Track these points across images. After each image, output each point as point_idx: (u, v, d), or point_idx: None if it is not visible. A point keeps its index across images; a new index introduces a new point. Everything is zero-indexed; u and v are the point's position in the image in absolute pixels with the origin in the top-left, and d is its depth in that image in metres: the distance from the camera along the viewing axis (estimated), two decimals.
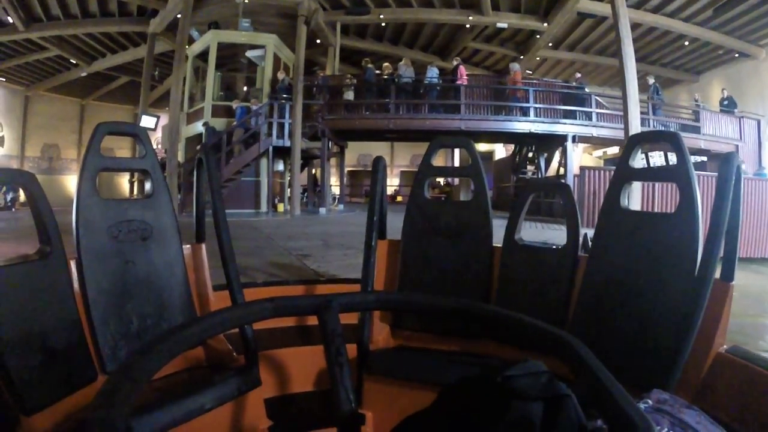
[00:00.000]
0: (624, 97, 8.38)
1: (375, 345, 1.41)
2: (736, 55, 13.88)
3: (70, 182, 18.20)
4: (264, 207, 10.44)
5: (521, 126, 10.63)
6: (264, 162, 10.27)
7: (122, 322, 1.17)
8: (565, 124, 10.92)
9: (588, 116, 11.05)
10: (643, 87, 10.10)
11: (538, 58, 16.28)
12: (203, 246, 1.47)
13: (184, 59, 10.26)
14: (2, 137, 17.73)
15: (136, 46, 14.61)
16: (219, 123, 10.88)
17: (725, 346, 1.06)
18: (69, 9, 12.21)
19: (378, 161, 1.52)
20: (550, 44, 15.12)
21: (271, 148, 9.92)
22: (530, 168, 13.54)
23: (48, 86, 17.82)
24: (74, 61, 15.60)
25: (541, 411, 0.49)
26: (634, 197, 7.33)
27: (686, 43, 13.74)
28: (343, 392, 0.55)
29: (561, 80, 15.62)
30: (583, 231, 1.43)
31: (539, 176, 12.62)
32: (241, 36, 11.48)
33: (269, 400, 1.28)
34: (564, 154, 10.98)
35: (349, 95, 10.52)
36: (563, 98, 11.39)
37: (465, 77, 10.37)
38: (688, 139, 11.34)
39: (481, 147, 20.47)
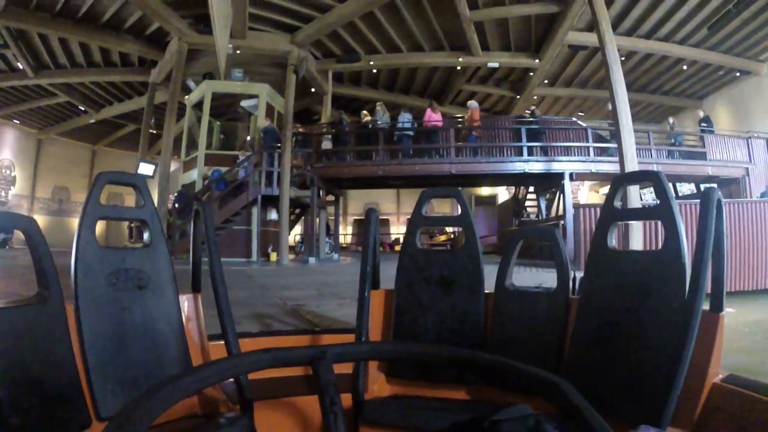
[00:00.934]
0: (617, 127, 8.02)
1: (370, 394, 1.42)
2: (737, 74, 13.52)
3: None
4: (255, 256, 10.38)
5: (515, 166, 10.36)
6: (255, 211, 10.30)
7: (118, 369, 1.18)
8: (561, 161, 10.60)
9: (586, 152, 10.76)
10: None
11: (535, 97, 16.29)
12: (199, 296, 1.48)
13: (175, 109, 10.52)
14: (15, 177, 18.36)
15: (141, 96, 15.11)
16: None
17: (721, 376, 1.07)
18: (75, 58, 12.75)
19: (370, 212, 1.53)
20: (546, 81, 15.12)
21: (259, 197, 9.93)
22: (532, 209, 13.25)
23: (60, 130, 18.55)
24: (83, 108, 16.27)
25: None
26: (635, 236, 6.96)
27: (685, 67, 13.46)
28: None
29: (560, 117, 15.62)
30: (578, 273, 1.46)
31: (540, 218, 12.33)
32: (234, 86, 11.79)
33: None
34: (562, 193, 10.54)
35: (327, 144, 10.57)
36: (560, 135, 11.24)
37: (434, 121, 10.23)
38: (696, 167, 11.14)
39: (484, 191, 20.49)
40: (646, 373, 1.13)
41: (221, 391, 1.35)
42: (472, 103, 10.64)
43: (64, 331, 1.10)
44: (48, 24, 10.52)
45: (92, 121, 17.11)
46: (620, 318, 1.22)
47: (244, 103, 12.37)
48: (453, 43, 12.09)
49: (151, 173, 12.64)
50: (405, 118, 10.09)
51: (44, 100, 15.45)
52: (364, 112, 11.41)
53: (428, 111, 10.29)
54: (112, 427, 0.46)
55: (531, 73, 13.93)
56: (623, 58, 10.43)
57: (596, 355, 1.25)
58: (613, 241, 1.32)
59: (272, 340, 1.67)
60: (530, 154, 10.52)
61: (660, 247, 1.19)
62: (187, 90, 12.68)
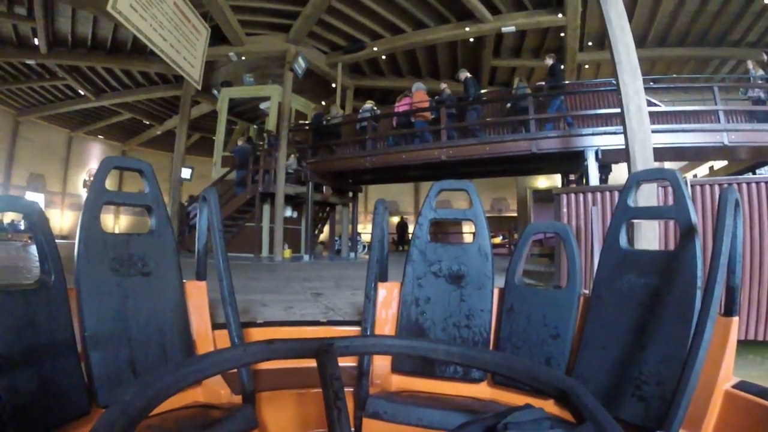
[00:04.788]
0: (615, 69, 4.82)
1: (374, 388, 1.42)
2: None
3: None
4: (266, 252, 10.87)
5: (518, 146, 8.71)
6: (267, 208, 10.80)
7: (119, 356, 1.18)
8: (583, 135, 8.18)
9: (618, 120, 8.64)
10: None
11: (587, 66, 14.45)
12: (204, 284, 1.48)
13: (186, 119, 11.43)
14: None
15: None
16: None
17: (732, 382, 1.06)
18: (122, 80, 14.70)
19: (378, 205, 1.54)
20: (590, 44, 13.34)
21: (258, 195, 10.37)
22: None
23: (138, 142, 21.36)
24: (147, 122, 18.66)
25: None
26: (648, 236, 5.52)
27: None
28: None
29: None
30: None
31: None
32: (246, 90, 12.40)
33: None
34: (586, 177, 8.22)
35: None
36: (584, 102, 9.53)
37: (411, 104, 9.38)
38: None
39: (541, 183, 17.34)
40: (657, 376, 1.12)
41: (224, 381, 1.34)
42: (418, 86, 9.62)
43: (66, 317, 1.09)
44: (87, 57, 12.28)
45: (158, 132, 19.39)
46: (631, 318, 1.21)
47: (263, 105, 12.96)
48: (455, 12, 11.16)
49: (188, 176, 13.97)
50: (365, 109, 9.72)
51: (115, 117, 18.11)
52: (335, 105, 11.23)
53: (405, 99, 9.63)
54: (112, 414, 0.45)
55: (562, 34, 12.34)
56: None
57: (607, 357, 1.23)
58: (624, 239, 1.30)
59: (277, 331, 1.65)
60: (540, 128, 8.72)
61: (673, 247, 1.17)
62: (214, 98, 13.66)
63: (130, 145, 21.67)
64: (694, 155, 10.07)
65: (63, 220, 20.22)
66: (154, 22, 8.03)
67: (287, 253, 10.92)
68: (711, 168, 14.43)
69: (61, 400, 1.03)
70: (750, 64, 8.65)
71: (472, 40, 12.51)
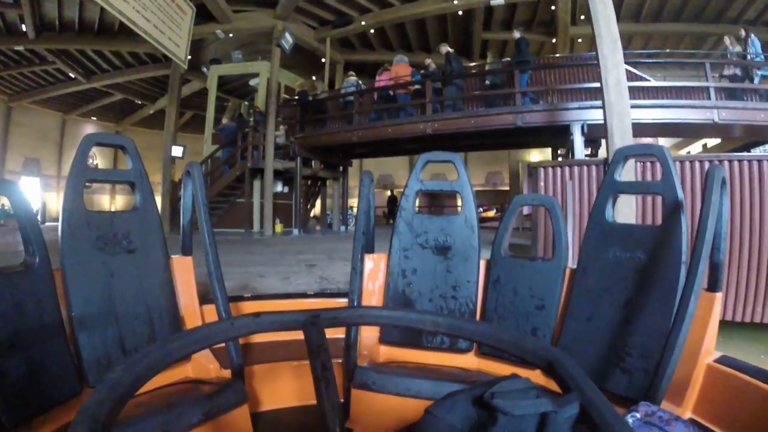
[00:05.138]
0: (595, 40, 4.61)
1: (362, 359, 1.42)
2: None
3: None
4: (257, 227, 11.02)
5: (504, 119, 8.70)
6: (257, 183, 10.91)
7: (107, 335, 1.17)
8: (569, 109, 8.16)
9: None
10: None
11: (579, 40, 14.30)
12: (190, 259, 1.47)
13: (175, 99, 11.53)
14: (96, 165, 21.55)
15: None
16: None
17: (714, 356, 1.08)
18: (124, 59, 14.71)
19: (364, 176, 1.53)
20: (582, 17, 13.21)
21: (247, 171, 10.48)
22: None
23: (131, 122, 21.48)
24: (139, 102, 18.72)
25: (528, 427, 0.51)
26: (625, 212, 5.46)
27: None
28: (330, 407, 0.55)
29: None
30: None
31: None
32: (234, 67, 12.37)
33: (256, 415, 1.29)
34: (572, 152, 8.17)
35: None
36: (570, 76, 9.44)
37: (383, 81, 9.41)
38: None
39: (534, 157, 16.87)
40: (639, 348, 1.14)
41: (212, 356, 1.34)
42: (399, 58, 9.57)
43: (53, 298, 1.08)
44: (75, 40, 12.28)
45: (151, 112, 19.44)
46: (617, 291, 1.22)
47: (253, 82, 12.94)
48: None
49: (180, 154, 14.01)
50: (349, 83, 9.72)
51: (107, 98, 18.19)
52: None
53: (379, 75, 9.63)
54: (100, 393, 0.45)
55: (553, 7, 12.23)
56: None
57: (592, 328, 1.25)
58: (611, 212, 1.31)
59: (264, 304, 1.67)
60: (511, 103, 8.73)
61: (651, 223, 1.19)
62: (205, 76, 13.64)
63: (124, 125, 21.64)
64: (688, 132, 9.99)
65: (59, 202, 20.30)
66: (137, 4, 8.06)
67: (279, 227, 11.10)
68: (704, 146, 14.36)
69: (51, 383, 1.02)
70: (727, 40, 8.47)
71: (461, 13, 12.41)
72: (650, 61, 11.46)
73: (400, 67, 9.25)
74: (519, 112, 8.87)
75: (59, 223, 1.14)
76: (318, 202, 14.43)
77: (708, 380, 1.04)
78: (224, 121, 11.35)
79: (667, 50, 13.70)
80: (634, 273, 1.20)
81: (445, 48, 9.05)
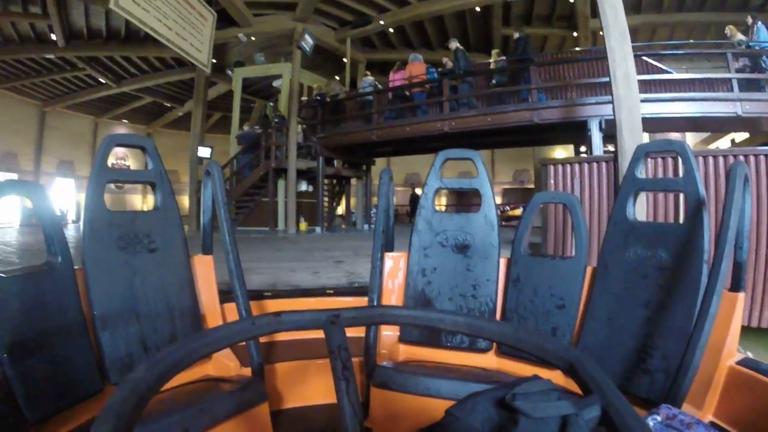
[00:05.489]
0: (606, 33, 4.52)
1: (382, 358, 1.42)
2: None
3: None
4: (282, 225, 11.31)
5: (520, 116, 8.71)
6: (281, 183, 11.26)
7: (128, 333, 1.19)
8: (585, 104, 7.97)
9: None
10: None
11: (601, 33, 14.03)
12: (211, 258, 1.48)
13: (202, 98, 12.00)
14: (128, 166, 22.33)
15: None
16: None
17: (736, 358, 1.06)
18: (151, 64, 15.30)
19: (383, 175, 1.54)
20: None
21: (271, 171, 10.83)
22: None
23: (161, 124, 22.24)
24: (168, 104, 19.44)
25: (549, 430, 0.50)
26: (636, 209, 5.23)
27: None
28: (349, 407, 0.55)
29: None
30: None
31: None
32: (257, 69, 12.72)
33: (276, 413, 1.31)
34: (590, 149, 7.90)
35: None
36: (587, 70, 9.22)
37: (397, 81, 9.53)
38: None
39: (558, 154, 16.84)
40: (662, 349, 1.12)
41: (233, 355, 1.36)
42: (414, 57, 9.66)
43: (75, 297, 1.10)
44: (103, 47, 12.92)
45: (180, 114, 20.05)
46: (638, 291, 1.21)
47: (276, 83, 13.27)
48: None
49: (208, 155, 14.52)
50: (365, 83, 9.90)
51: (137, 102, 18.86)
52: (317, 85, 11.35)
53: (393, 74, 9.77)
54: (123, 391, 0.46)
55: (572, 0, 12.11)
56: None
57: (613, 328, 1.24)
58: (632, 210, 1.30)
59: (284, 303, 1.68)
60: (516, 101, 8.73)
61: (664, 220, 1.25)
62: (229, 78, 14.06)
63: (155, 127, 22.41)
64: (713, 126, 9.67)
65: None
66: (158, 13, 8.44)
67: (303, 226, 11.42)
68: (732, 141, 13.87)
69: (73, 380, 1.04)
70: (728, 32, 8.12)
71: (479, 9, 12.44)
72: (665, 53, 11.16)
73: (415, 66, 9.38)
74: (535, 108, 8.81)
75: (81, 224, 1.17)
76: (343, 201, 14.74)
77: (729, 382, 1.02)
78: (245, 128, 11.76)
79: (691, 41, 13.37)
80: (655, 272, 1.18)
81: (455, 44, 9.07)
